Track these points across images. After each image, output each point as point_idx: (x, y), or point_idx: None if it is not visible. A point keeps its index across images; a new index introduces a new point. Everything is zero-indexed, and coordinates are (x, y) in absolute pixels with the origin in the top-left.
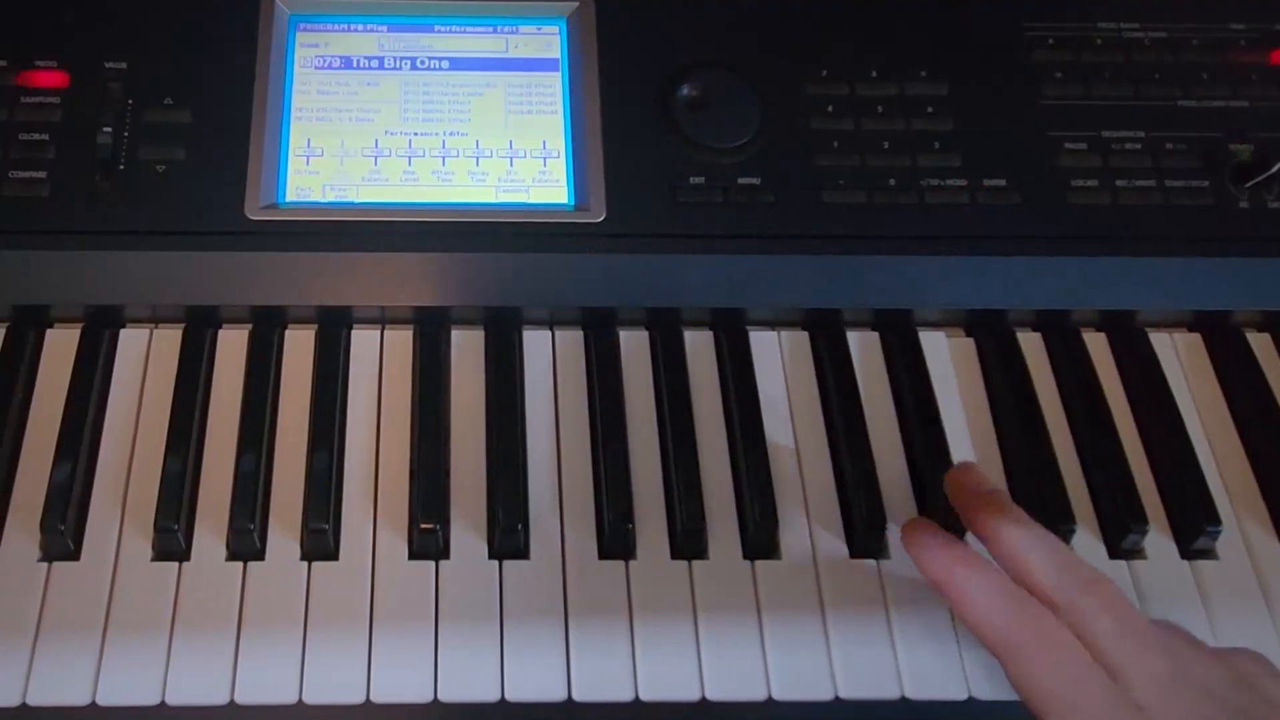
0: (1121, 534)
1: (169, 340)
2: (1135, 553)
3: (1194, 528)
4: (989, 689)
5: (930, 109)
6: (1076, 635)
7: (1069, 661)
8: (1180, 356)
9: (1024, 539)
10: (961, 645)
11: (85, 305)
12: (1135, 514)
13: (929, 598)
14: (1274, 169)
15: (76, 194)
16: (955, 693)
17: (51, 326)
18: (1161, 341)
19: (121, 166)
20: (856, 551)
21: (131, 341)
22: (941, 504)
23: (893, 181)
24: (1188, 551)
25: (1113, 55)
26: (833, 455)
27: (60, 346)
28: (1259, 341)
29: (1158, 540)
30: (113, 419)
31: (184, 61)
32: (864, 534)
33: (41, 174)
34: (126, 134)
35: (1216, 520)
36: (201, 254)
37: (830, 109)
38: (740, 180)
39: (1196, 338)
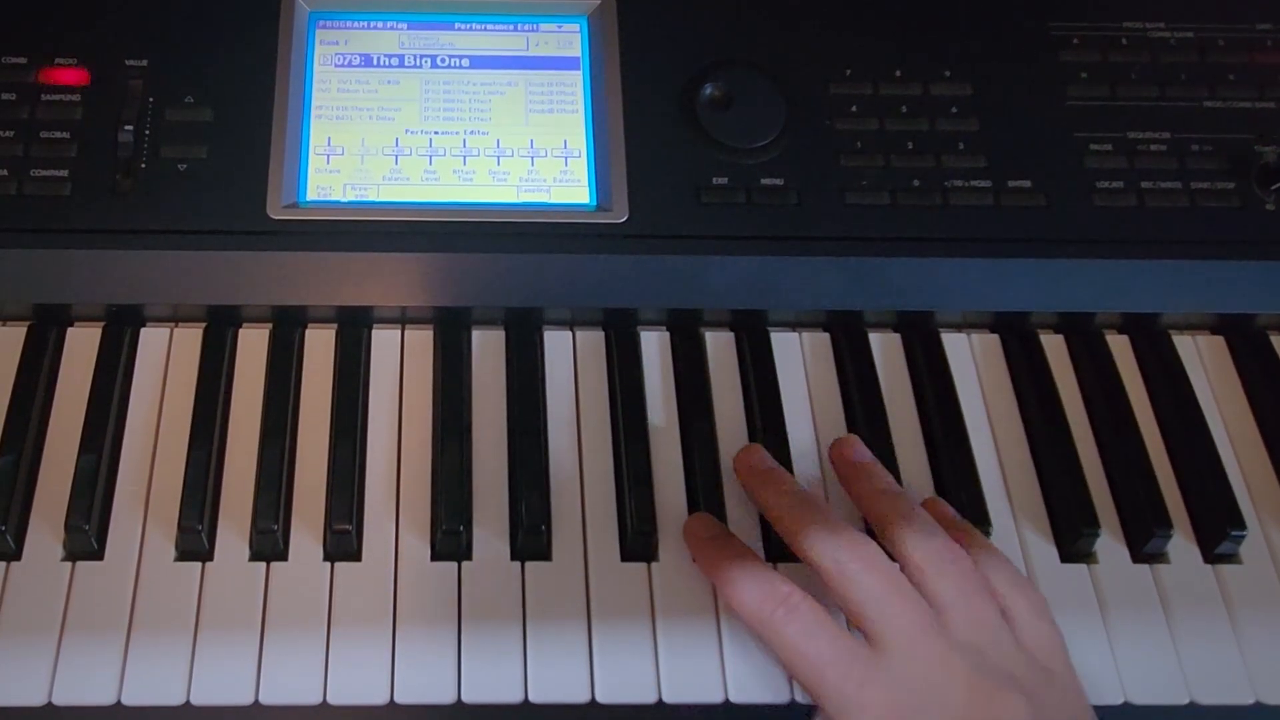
0: (1145, 538)
1: (190, 339)
2: (1158, 557)
3: (1218, 532)
4: None
5: (955, 109)
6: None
7: (802, 617)
8: (1203, 359)
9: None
10: None
11: (106, 304)
12: (1159, 518)
13: None
14: None
15: (98, 193)
16: None
17: (73, 325)
18: (1185, 344)
19: (143, 165)
20: None
21: (153, 341)
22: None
23: (917, 183)
24: (1211, 556)
25: (1138, 55)
26: None
27: (82, 346)
28: None
29: (1181, 544)
30: (134, 419)
31: (205, 59)
32: None
33: (63, 173)
34: (148, 132)
35: (1241, 525)
36: (223, 253)
37: (854, 109)
38: (764, 181)
39: (1220, 340)
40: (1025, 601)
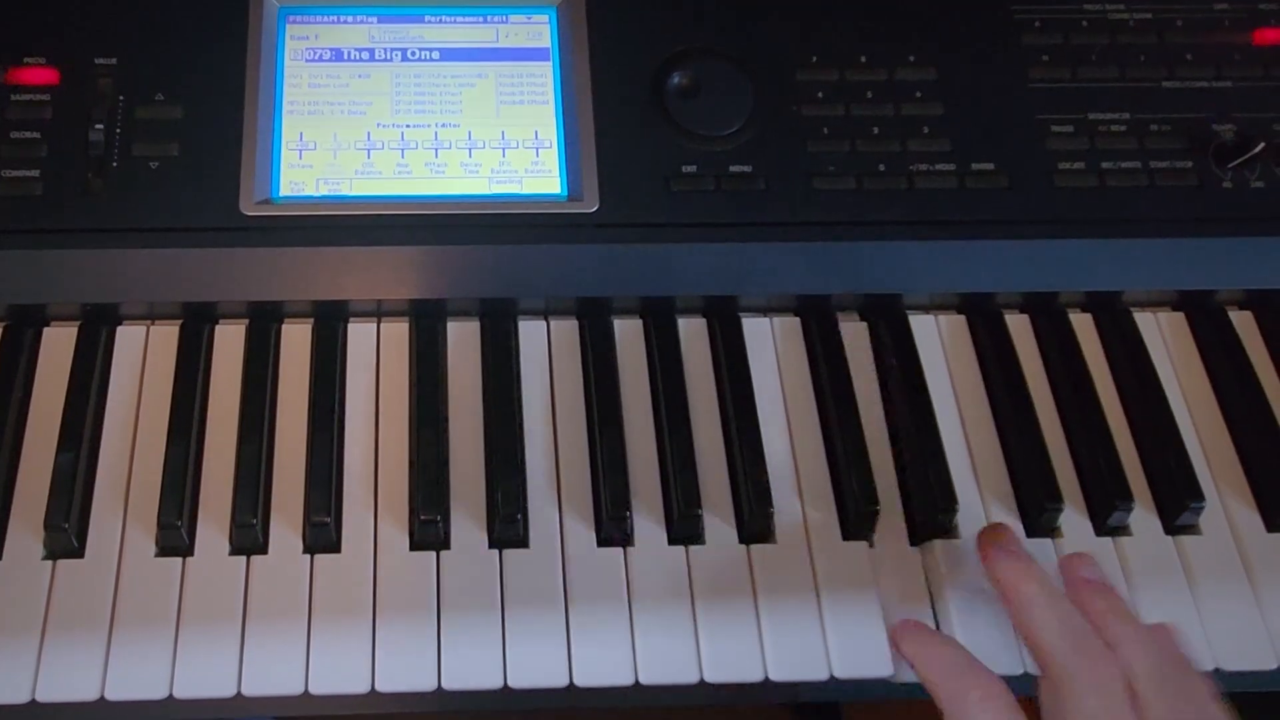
0: (1107, 511)
1: (166, 337)
2: (1120, 530)
3: (1178, 504)
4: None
5: (919, 94)
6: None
7: (1111, 699)
8: (1164, 335)
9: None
10: (955, 631)
11: (81, 304)
12: (1121, 491)
13: (917, 580)
14: (1256, 149)
15: (70, 192)
16: None
17: (48, 325)
18: (1146, 321)
19: (114, 164)
20: (850, 534)
21: (129, 339)
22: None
23: (882, 167)
24: (1172, 527)
25: (1099, 37)
26: (825, 439)
27: (58, 345)
28: (1241, 319)
29: (1142, 517)
30: (112, 416)
31: (174, 56)
32: (857, 516)
33: (34, 172)
34: (119, 130)
35: (1200, 496)
36: (196, 251)
37: (820, 95)
38: (732, 168)
39: (1180, 317)
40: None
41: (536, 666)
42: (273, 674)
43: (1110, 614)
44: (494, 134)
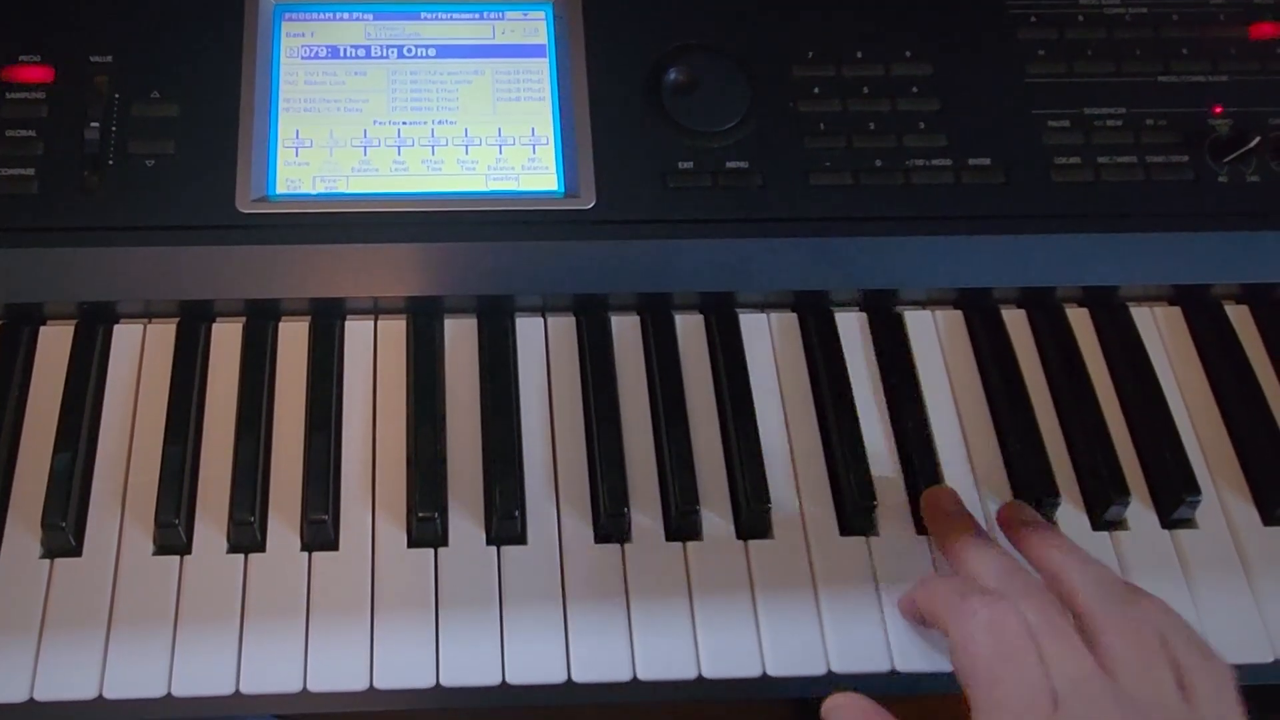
0: (1104, 505)
1: (163, 335)
2: (1117, 524)
3: (1174, 498)
4: None
5: (915, 89)
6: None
7: (1010, 635)
8: (1161, 330)
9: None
10: None
11: (78, 302)
12: (1117, 485)
13: (918, 574)
14: (1252, 143)
15: (66, 190)
16: (943, 664)
17: (45, 324)
18: (1142, 315)
19: (110, 161)
20: (848, 529)
21: (126, 337)
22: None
23: (879, 162)
24: (1168, 521)
25: (1095, 31)
26: (823, 434)
27: (54, 344)
28: (1237, 314)
29: (1139, 511)
30: (110, 415)
31: (170, 54)
32: (854, 512)
33: (29, 171)
34: (114, 128)
35: (1196, 490)
36: (193, 249)
37: (817, 91)
38: (729, 164)
39: (1176, 311)
40: (1208, 675)
41: (535, 663)
42: (271, 672)
43: (1048, 545)
44: (490, 131)
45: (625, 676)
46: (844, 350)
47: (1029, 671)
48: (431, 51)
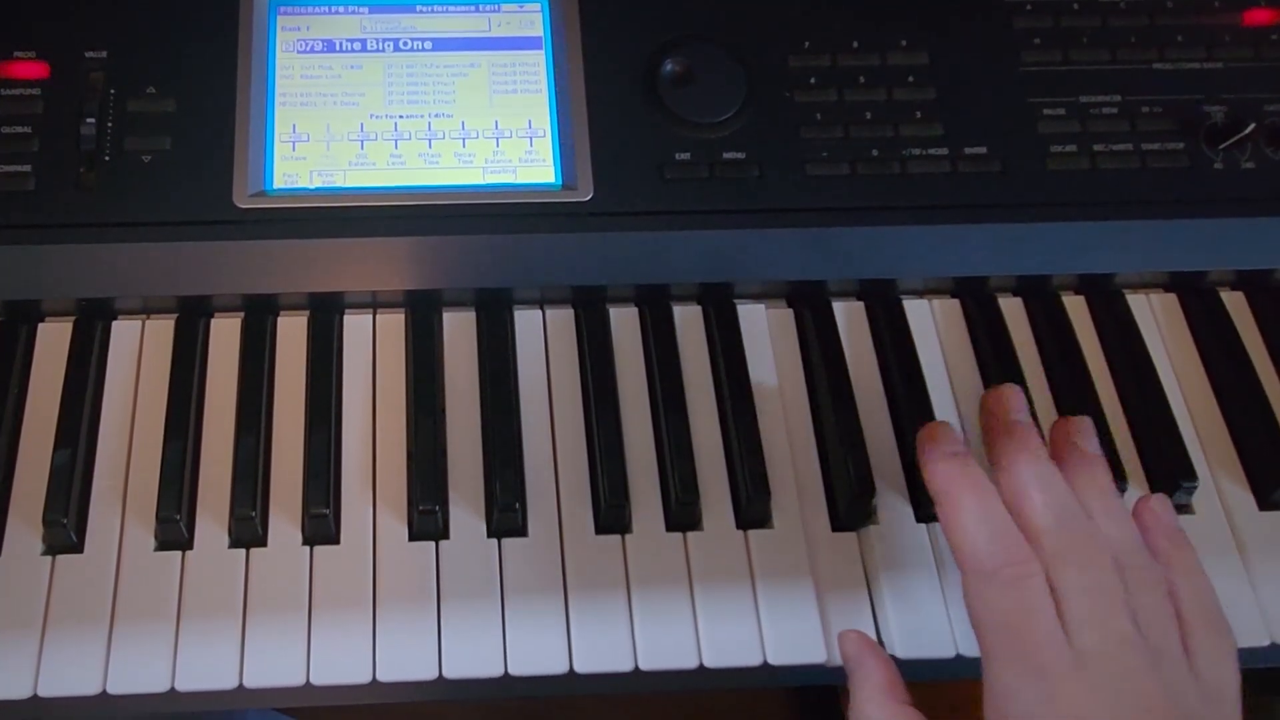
0: None
1: (162, 331)
2: None
3: (1171, 483)
4: (974, 646)
5: (911, 79)
6: (1048, 578)
7: (1031, 595)
8: (1157, 317)
9: (1031, 475)
10: (948, 605)
11: (76, 299)
12: (1114, 472)
13: (916, 562)
14: (1247, 130)
15: (62, 187)
16: (943, 651)
17: (43, 321)
18: (1138, 302)
19: (107, 157)
20: (847, 518)
21: (124, 333)
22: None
23: (875, 152)
24: None
25: (1090, 19)
26: (821, 425)
27: (53, 340)
28: (1233, 300)
29: (1135, 498)
30: (109, 411)
31: (165, 49)
32: (852, 501)
33: (25, 167)
34: (110, 124)
35: (1193, 475)
36: (191, 244)
37: (813, 81)
38: (725, 155)
39: (1172, 298)
40: (1211, 641)
41: (537, 654)
42: (274, 665)
43: (1091, 489)
44: (487, 124)
45: (627, 667)
46: (841, 339)
47: (1050, 628)
48: (427, 45)
